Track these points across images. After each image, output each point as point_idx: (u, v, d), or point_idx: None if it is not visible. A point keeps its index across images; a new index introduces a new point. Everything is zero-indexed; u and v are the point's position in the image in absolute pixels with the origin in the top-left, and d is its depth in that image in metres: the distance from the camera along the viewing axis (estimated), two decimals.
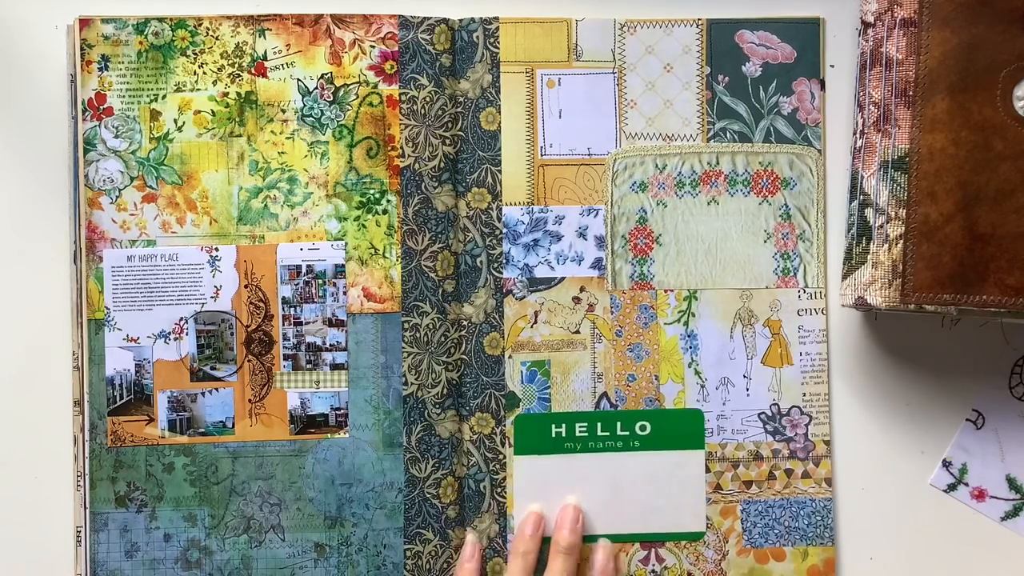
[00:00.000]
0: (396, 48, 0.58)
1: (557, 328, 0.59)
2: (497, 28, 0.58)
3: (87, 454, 0.57)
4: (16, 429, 0.58)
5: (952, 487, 0.59)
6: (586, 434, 0.56)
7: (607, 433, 0.56)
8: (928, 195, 0.54)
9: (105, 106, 0.57)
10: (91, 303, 0.57)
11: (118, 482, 0.57)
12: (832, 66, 0.59)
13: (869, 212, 0.55)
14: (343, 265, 0.58)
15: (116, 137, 0.57)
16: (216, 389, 0.57)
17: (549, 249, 0.59)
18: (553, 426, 0.56)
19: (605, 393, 0.58)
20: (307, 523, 0.57)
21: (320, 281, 0.58)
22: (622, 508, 0.57)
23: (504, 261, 0.58)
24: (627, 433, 0.56)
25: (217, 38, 0.58)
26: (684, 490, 0.56)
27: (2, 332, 0.58)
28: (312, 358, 0.58)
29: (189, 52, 0.57)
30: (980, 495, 0.59)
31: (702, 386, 0.59)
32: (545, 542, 0.57)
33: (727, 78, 0.59)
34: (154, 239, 0.57)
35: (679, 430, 0.56)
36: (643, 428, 0.56)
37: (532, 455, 0.57)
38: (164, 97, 0.57)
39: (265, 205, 0.58)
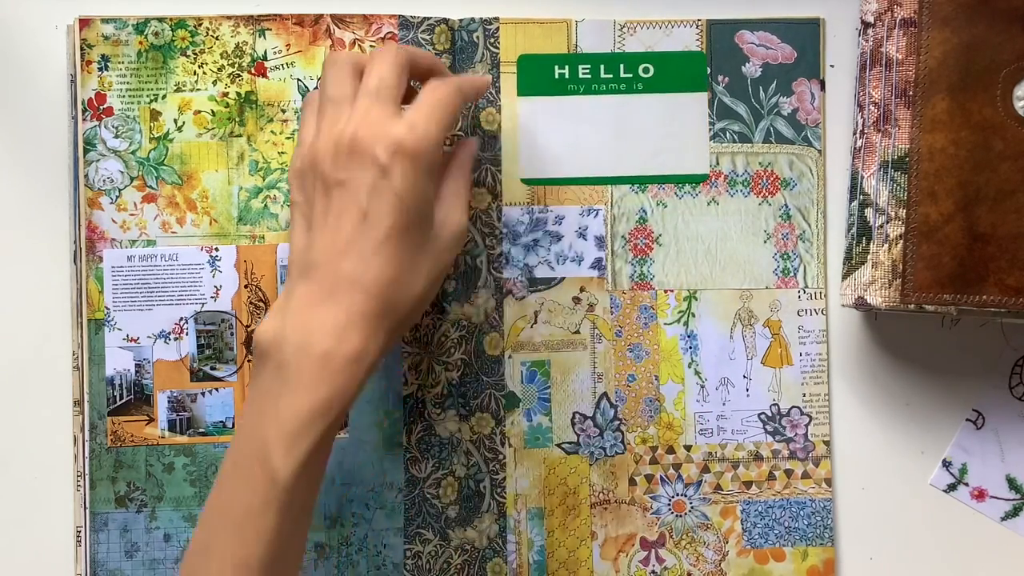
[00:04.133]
0: None
1: (557, 328, 0.59)
2: (497, 28, 0.58)
3: (87, 454, 0.57)
4: (16, 429, 0.58)
5: (952, 487, 0.59)
6: (589, 76, 0.54)
7: (610, 76, 0.54)
8: (928, 195, 0.54)
9: (105, 106, 0.57)
10: (91, 303, 0.57)
11: (118, 482, 0.57)
12: (832, 66, 0.59)
13: (869, 212, 0.55)
14: None
15: (116, 137, 0.57)
16: (216, 389, 0.57)
17: (549, 249, 0.59)
18: (556, 67, 0.54)
19: (605, 393, 0.58)
20: None
21: None
22: (626, 150, 0.54)
23: (504, 261, 0.58)
24: (630, 75, 0.53)
25: (217, 38, 0.58)
26: (687, 132, 0.53)
27: (2, 332, 0.58)
28: None
29: (189, 52, 0.57)
30: (980, 495, 0.59)
31: (702, 386, 0.59)
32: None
33: (727, 78, 0.59)
34: (154, 239, 0.57)
35: (681, 73, 0.53)
36: (646, 71, 0.53)
37: (534, 96, 0.54)
38: (164, 97, 0.57)
39: (265, 205, 0.58)
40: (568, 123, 0.53)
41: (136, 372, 0.57)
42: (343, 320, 0.46)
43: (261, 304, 0.57)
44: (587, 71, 0.53)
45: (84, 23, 0.57)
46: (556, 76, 0.53)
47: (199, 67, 0.58)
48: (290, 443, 0.45)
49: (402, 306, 0.48)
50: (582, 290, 0.59)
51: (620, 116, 0.53)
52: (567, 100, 0.54)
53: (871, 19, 0.56)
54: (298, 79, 0.58)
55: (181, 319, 0.57)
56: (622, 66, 0.53)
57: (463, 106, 0.50)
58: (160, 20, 0.57)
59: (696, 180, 0.55)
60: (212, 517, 0.47)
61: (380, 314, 0.47)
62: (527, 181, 0.58)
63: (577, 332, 0.59)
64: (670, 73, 0.53)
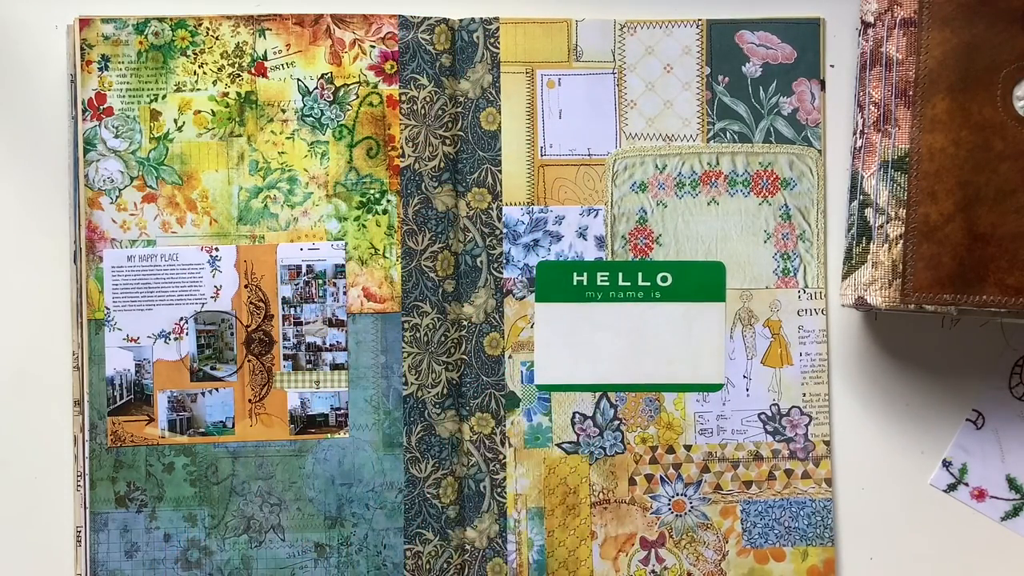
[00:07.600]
0: (396, 48, 0.58)
1: None
2: (497, 28, 0.58)
3: (87, 454, 0.57)
4: (16, 429, 0.58)
5: (952, 487, 0.59)
6: (607, 283, 0.54)
7: (628, 283, 0.54)
8: (928, 195, 0.54)
9: (105, 106, 0.57)
10: (91, 303, 0.57)
11: (118, 482, 0.57)
12: (832, 66, 0.59)
13: (869, 212, 0.55)
14: (343, 265, 0.58)
15: (116, 137, 0.57)
16: (216, 389, 0.57)
17: (549, 249, 0.59)
18: (575, 274, 0.54)
19: (605, 393, 0.58)
20: (307, 523, 0.57)
21: (320, 281, 0.58)
22: (642, 358, 0.54)
23: (504, 261, 0.58)
24: (648, 284, 0.53)
25: (217, 38, 0.58)
26: (703, 341, 0.54)
27: (2, 332, 0.58)
28: (312, 358, 0.58)
29: (189, 52, 0.57)
30: (980, 495, 0.59)
31: None
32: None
33: (727, 78, 0.59)
34: (154, 239, 0.57)
35: (699, 282, 0.53)
36: (664, 279, 0.53)
37: (553, 303, 0.54)
38: (164, 97, 0.57)
39: (265, 205, 0.58)
40: (585, 330, 0.54)
41: (136, 372, 0.57)
42: None
43: (261, 304, 0.57)
44: (605, 279, 0.53)
45: (84, 23, 0.57)
46: (574, 283, 0.54)
47: (199, 67, 0.58)
48: None
49: None
50: None
51: (637, 325, 0.54)
52: (585, 307, 0.54)
53: (871, 19, 0.56)
54: (298, 79, 0.58)
55: (181, 319, 0.57)
56: (640, 274, 0.53)
57: None
58: (160, 20, 0.57)
59: (711, 389, 0.56)
60: None
61: None
62: (542, 387, 0.58)
63: None
64: (688, 283, 0.54)
